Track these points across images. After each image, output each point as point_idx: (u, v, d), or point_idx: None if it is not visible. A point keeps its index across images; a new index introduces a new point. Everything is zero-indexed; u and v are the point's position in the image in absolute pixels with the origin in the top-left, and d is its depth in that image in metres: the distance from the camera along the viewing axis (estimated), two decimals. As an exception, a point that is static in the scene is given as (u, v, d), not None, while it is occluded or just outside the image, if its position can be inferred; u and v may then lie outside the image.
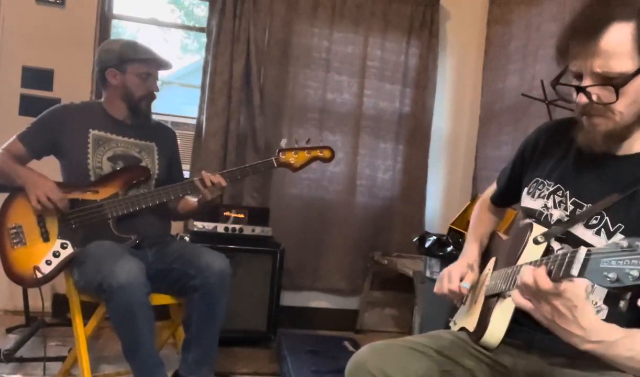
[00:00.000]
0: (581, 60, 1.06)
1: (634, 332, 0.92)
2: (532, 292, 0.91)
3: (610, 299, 1.06)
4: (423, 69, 3.54)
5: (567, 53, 1.09)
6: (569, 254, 0.85)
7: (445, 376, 1.21)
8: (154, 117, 2.34)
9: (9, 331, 2.83)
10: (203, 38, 3.34)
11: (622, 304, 0.78)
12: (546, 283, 0.88)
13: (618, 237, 0.78)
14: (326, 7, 3.40)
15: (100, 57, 2.19)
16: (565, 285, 0.87)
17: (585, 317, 0.89)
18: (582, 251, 0.82)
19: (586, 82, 1.06)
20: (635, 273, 0.73)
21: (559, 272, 0.87)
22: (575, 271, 0.82)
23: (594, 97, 1.06)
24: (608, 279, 0.76)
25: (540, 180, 1.24)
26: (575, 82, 1.09)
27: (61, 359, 2.36)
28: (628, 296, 0.77)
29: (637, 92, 1.05)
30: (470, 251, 1.44)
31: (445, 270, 1.37)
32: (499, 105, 3.33)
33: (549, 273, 0.89)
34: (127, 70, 2.14)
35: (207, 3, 3.32)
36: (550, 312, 0.90)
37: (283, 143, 2.21)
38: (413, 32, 3.52)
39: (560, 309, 0.89)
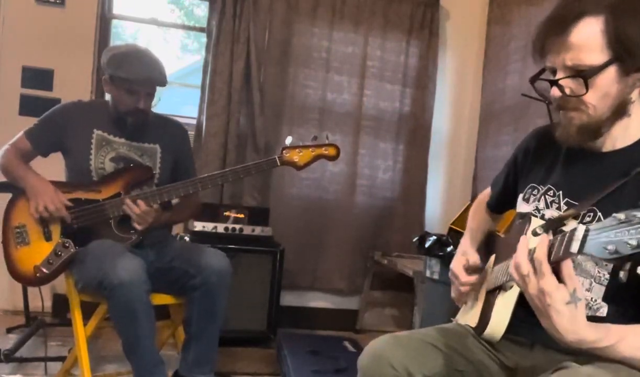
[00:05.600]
0: (554, 55, 1.09)
1: (628, 335, 0.93)
2: (521, 274, 0.92)
3: (610, 296, 1.07)
4: (423, 69, 3.55)
5: (543, 49, 1.12)
6: (568, 233, 0.86)
7: (457, 375, 1.22)
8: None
9: (9, 331, 2.83)
10: (203, 38, 3.34)
11: (621, 274, 0.80)
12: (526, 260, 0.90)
13: (611, 216, 0.80)
14: (326, 7, 3.40)
15: (101, 62, 2.18)
16: (548, 278, 0.88)
17: (562, 323, 0.88)
18: (581, 228, 0.83)
19: (559, 75, 1.09)
20: (633, 242, 0.74)
21: (559, 251, 0.87)
22: (574, 248, 0.83)
23: (567, 90, 1.09)
24: (607, 251, 0.77)
25: (535, 185, 1.26)
26: (551, 78, 1.12)
27: (61, 359, 2.36)
28: (627, 266, 0.78)
29: (608, 85, 1.07)
30: (461, 243, 1.47)
31: (450, 273, 1.39)
32: (499, 105, 3.33)
33: (550, 251, 0.90)
34: (115, 82, 2.09)
35: (207, 3, 3.32)
36: (530, 299, 0.91)
37: (288, 141, 2.17)
38: (413, 32, 3.52)
39: (535, 299, 0.90)
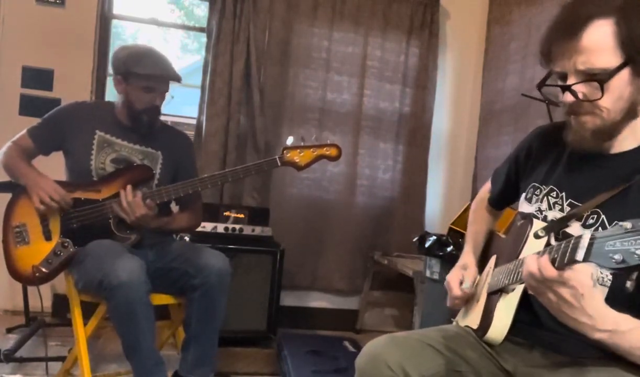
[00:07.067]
0: (565, 60, 1.08)
1: None
2: (537, 281, 0.92)
3: (612, 297, 1.06)
4: (423, 69, 3.55)
5: (551, 55, 1.11)
6: (572, 240, 0.86)
7: (455, 376, 1.22)
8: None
9: (9, 331, 2.83)
10: (203, 38, 3.34)
11: (628, 284, 0.79)
12: (550, 271, 0.90)
13: (616, 225, 0.80)
14: (326, 7, 3.40)
15: (111, 62, 2.17)
16: (569, 273, 0.89)
17: (593, 305, 0.91)
18: (586, 235, 0.83)
19: (571, 80, 1.07)
20: None
21: (564, 259, 0.88)
22: (580, 255, 0.83)
23: (580, 95, 1.07)
24: (614, 261, 0.77)
25: (537, 185, 1.26)
26: (560, 83, 1.10)
27: (61, 359, 2.36)
28: (634, 276, 0.78)
29: (622, 87, 1.06)
30: (464, 253, 1.47)
31: (445, 283, 1.40)
32: (499, 105, 3.33)
33: (553, 261, 0.90)
34: (130, 81, 2.10)
35: (207, 3, 3.32)
36: (556, 301, 0.92)
37: (289, 141, 2.16)
38: (413, 32, 3.52)
39: (566, 297, 0.91)
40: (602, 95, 1.05)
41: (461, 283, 1.35)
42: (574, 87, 1.07)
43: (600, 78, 1.04)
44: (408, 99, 3.55)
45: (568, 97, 1.08)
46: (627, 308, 0.96)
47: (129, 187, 2.03)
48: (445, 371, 1.20)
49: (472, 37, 3.67)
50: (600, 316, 0.91)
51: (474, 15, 3.65)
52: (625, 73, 1.05)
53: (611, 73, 1.04)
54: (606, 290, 1.06)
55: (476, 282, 1.37)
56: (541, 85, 1.17)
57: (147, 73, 2.07)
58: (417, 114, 3.56)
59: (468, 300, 1.38)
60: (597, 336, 0.92)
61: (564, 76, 1.09)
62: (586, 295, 0.90)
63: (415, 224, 3.52)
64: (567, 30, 1.06)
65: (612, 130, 1.10)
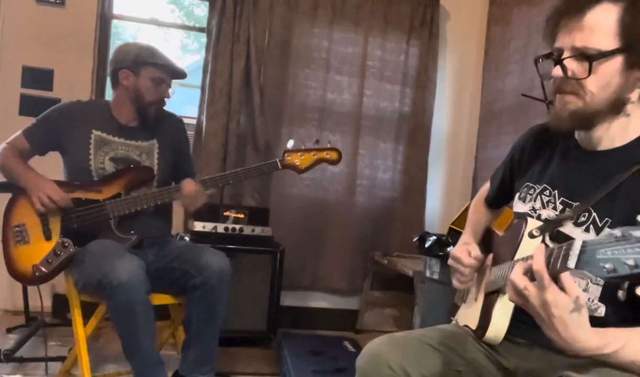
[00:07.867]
0: (565, 35, 1.08)
1: (630, 339, 0.91)
2: (519, 289, 0.89)
3: (607, 296, 1.06)
4: (423, 69, 3.54)
5: (555, 28, 1.11)
6: (564, 247, 0.85)
7: (455, 376, 1.22)
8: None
9: (9, 331, 2.83)
10: (203, 38, 3.34)
11: (620, 293, 0.78)
12: (542, 268, 0.87)
13: (607, 232, 0.79)
14: (326, 7, 3.40)
15: (115, 57, 2.18)
16: (551, 288, 0.85)
17: (569, 331, 0.86)
18: (578, 243, 0.82)
19: (565, 55, 1.08)
20: (631, 262, 0.73)
21: (556, 266, 0.86)
22: (572, 263, 0.82)
23: (569, 72, 1.08)
24: (605, 270, 0.76)
25: (530, 184, 1.26)
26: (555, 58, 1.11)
27: (61, 359, 2.36)
28: (625, 285, 0.77)
29: (611, 75, 1.06)
30: (464, 235, 1.48)
31: (450, 260, 1.39)
32: (499, 105, 3.33)
33: (548, 262, 0.88)
34: (141, 73, 2.13)
35: (207, 3, 3.32)
36: (534, 312, 0.89)
37: (290, 144, 2.19)
38: (413, 32, 3.52)
39: (539, 311, 0.87)
40: (589, 75, 1.05)
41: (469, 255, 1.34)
42: (565, 62, 1.08)
43: (591, 57, 1.04)
44: (408, 99, 3.55)
45: (557, 72, 1.09)
46: (620, 305, 0.95)
47: (189, 180, 2.11)
48: (445, 371, 1.20)
49: (472, 37, 3.67)
50: (575, 342, 0.87)
51: (474, 15, 3.65)
52: (617, 60, 1.05)
53: (603, 55, 1.04)
54: (600, 289, 1.06)
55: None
56: (539, 58, 1.17)
57: (163, 63, 2.15)
58: (417, 114, 3.56)
59: (465, 296, 1.38)
60: (574, 354, 0.89)
61: (561, 53, 1.10)
62: (558, 317, 0.85)
63: (415, 224, 3.52)
64: (574, 6, 1.07)
65: (592, 117, 1.10)
